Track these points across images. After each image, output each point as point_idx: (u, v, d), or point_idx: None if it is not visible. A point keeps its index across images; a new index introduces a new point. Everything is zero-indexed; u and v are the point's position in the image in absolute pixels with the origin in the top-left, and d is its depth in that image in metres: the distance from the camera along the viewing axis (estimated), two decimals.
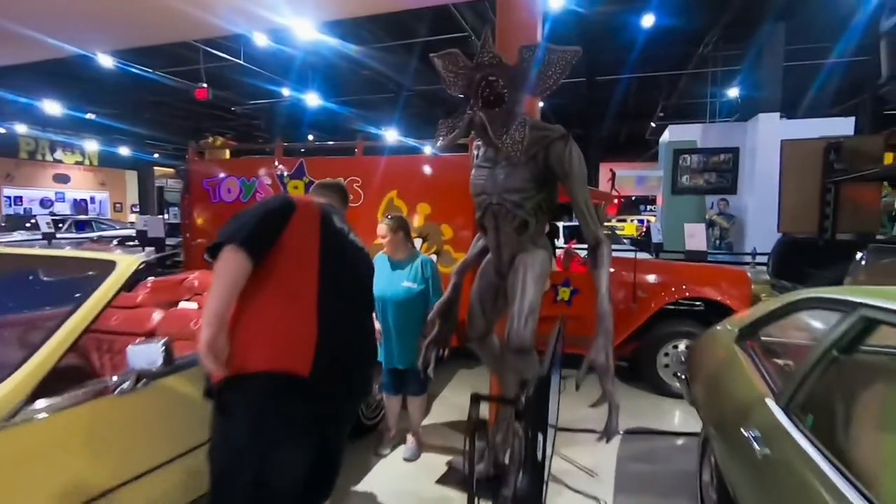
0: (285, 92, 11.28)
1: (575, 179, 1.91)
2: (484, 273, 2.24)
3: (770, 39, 7.56)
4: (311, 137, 17.28)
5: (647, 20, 7.35)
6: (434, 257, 3.93)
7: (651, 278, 3.90)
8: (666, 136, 8.86)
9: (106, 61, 9.88)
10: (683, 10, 8.11)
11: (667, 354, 3.63)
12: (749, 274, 3.87)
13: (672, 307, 3.73)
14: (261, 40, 8.67)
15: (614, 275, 3.98)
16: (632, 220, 20.25)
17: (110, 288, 1.68)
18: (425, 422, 3.10)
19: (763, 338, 1.88)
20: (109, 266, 1.77)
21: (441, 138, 1.97)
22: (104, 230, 13.05)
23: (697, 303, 3.82)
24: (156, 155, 20.95)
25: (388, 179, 4.02)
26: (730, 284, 3.82)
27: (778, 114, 7.41)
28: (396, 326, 2.61)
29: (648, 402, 3.55)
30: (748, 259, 7.28)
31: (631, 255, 4.22)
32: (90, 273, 1.77)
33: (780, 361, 1.77)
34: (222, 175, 4.46)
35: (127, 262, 1.80)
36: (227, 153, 5.10)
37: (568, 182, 1.92)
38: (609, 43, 9.54)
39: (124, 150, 19.05)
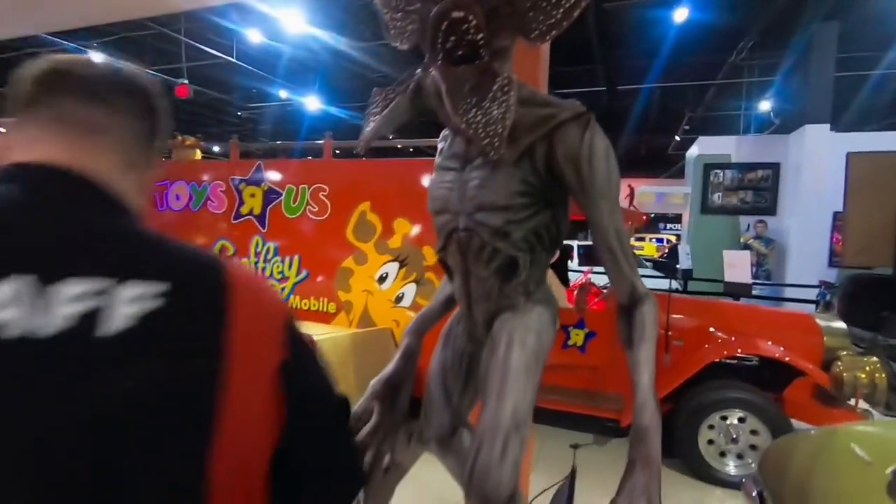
0: (283, 94, 10.68)
1: (598, 193, 1.09)
2: (450, 336, 1.42)
3: (819, 41, 6.66)
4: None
5: (678, 16, 6.55)
6: (413, 287, 3.13)
7: (690, 322, 3.04)
8: (694, 150, 7.98)
9: (95, 58, 9.39)
10: (714, 13, 7.30)
11: (711, 427, 2.75)
12: (818, 320, 2.98)
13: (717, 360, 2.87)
14: (255, 37, 8.05)
15: None
16: (650, 239, 19.23)
17: None
18: None
19: None
20: None
21: (371, 122, 1.18)
22: None
23: (751, 359, 2.95)
24: (163, 158, 20.63)
25: (361, 188, 3.24)
26: (793, 334, 2.94)
27: (828, 125, 6.49)
28: None
29: (688, 492, 2.66)
30: (792, 292, 6.36)
31: (654, 284, 3.38)
32: None
33: None
34: (168, 179, 3.73)
35: None
36: (198, 154, 4.39)
37: (586, 198, 1.10)
38: (632, 49, 8.77)
39: None
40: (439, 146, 1.38)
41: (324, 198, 3.32)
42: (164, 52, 8.98)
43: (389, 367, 1.45)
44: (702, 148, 7.68)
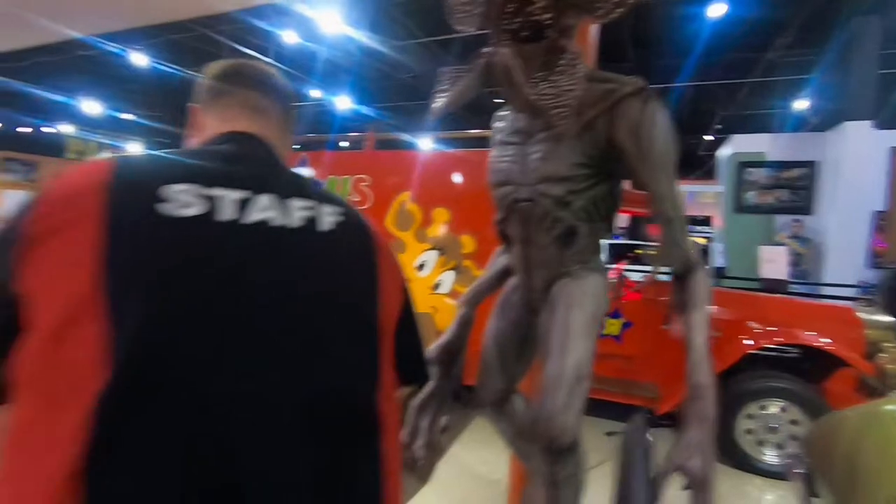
0: (315, 94, 10.92)
1: (657, 164, 1.16)
2: (505, 305, 1.50)
3: (860, 36, 6.51)
4: (346, 144, 17.01)
5: (713, 12, 6.49)
6: (451, 274, 3.21)
7: (728, 313, 3.04)
8: (728, 149, 7.87)
9: (140, 60, 9.80)
10: (751, 8, 7.19)
11: (751, 416, 2.75)
12: (859, 313, 2.95)
13: (756, 351, 2.86)
14: (290, 38, 8.29)
15: None
16: None
17: None
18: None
19: None
20: None
21: (440, 97, 1.26)
22: None
23: (791, 350, 2.94)
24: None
25: (400, 179, 3.34)
26: (834, 326, 2.92)
27: (869, 122, 6.33)
28: None
29: (726, 480, 2.67)
30: (830, 290, 6.22)
31: None
32: None
33: None
34: None
35: None
36: None
37: (645, 168, 1.16)
38: (664, 47, 8.69)
39: None
40: (497, 125, 1.47)
41: (365, 188, 3.44)
42: (203, 54, 9.30)
43: (446, 335, 1.54)
44: (735, 146, 7.57)
